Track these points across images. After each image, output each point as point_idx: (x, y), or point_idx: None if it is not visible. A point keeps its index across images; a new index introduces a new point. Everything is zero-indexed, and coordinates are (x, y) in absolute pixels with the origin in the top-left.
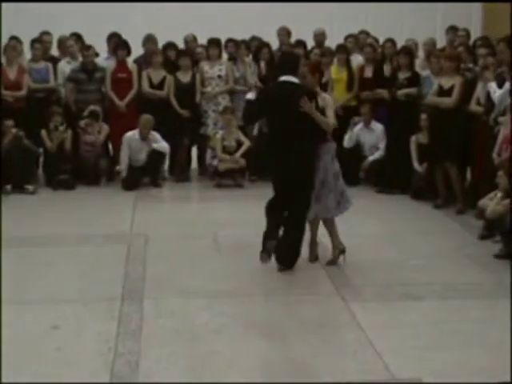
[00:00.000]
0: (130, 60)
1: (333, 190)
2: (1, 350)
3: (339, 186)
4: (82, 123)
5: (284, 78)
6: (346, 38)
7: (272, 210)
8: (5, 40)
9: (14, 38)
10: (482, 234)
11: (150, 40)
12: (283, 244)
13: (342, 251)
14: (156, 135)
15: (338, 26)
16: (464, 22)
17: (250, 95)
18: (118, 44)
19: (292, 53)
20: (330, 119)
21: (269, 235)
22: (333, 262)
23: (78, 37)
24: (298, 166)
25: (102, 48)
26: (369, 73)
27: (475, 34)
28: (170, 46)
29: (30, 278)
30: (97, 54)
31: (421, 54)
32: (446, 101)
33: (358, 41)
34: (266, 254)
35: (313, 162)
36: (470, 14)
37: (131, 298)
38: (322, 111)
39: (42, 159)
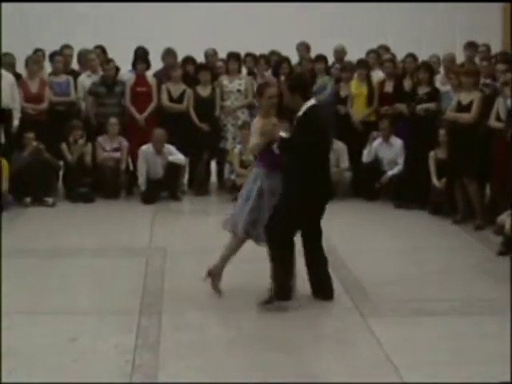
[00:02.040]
0: (149, 74)
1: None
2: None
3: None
4: (100, 140)
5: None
6: (368, 53)
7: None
8: (27, 52)
9: (39, 51)
10: (501, 250)
11: (169, 54)
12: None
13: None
14: (171, 148)
15: (357, 40)
16: (483, 37)
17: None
18: (136, 58)
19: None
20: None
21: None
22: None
23: (102, 50)
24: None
25: (122, 61)
26: (389, 88)
27: (494, 49)
28: (189, 60)
29: (48, 289)
30: (117, 68)
31: (442, 69)
32: (464, 116)
33: (379, 56)
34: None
35: None
36: (489, 28)
37: (149, 311)
38: None
39: (61, 172)
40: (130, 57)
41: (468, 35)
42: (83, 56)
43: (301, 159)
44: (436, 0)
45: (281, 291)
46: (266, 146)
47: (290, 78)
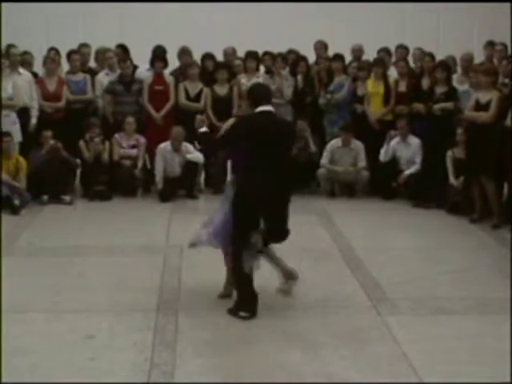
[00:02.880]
0: (167, 72)
1: None
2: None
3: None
4: (117, 137)
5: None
6: (379, 51)
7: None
8: (43, 52)
9: (53, 49)
10: None
11: (184, 52)
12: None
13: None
14: (189, 146)
15: (374, 39)
16: (502, 36)
17: None
18: (154, 56)
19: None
20: None
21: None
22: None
23: (123, 48)
24: None
25: (139, 60)
26: (402, 87)
27: None
28: (208, 56)
29: (65, 287)
30: (135, 67)
31: (459, 68)
32: (483, 115)
33: (390, 55)
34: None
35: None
36: (507, 28)
37: (166, 309)
38: None
39: (79, 170)
40: (148, 55)
41: (486, 34)
42: (101, 54)
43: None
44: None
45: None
46: None
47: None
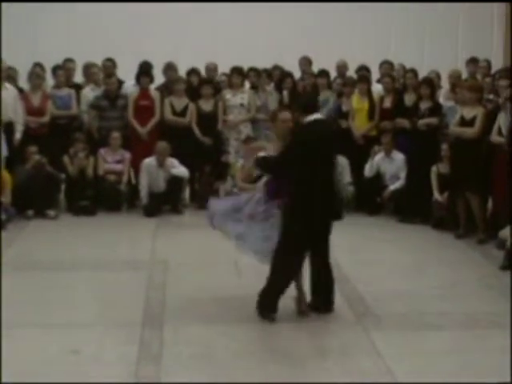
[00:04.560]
0: (152, 88)
1: None
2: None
3: None
4: (102, 151)
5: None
6: (358, 70)
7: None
8: (29, 66)
9: (38, 65)
10: (504, 265)
11: (170, 68)
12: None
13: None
14: (174, 161)
15: (359, 55)
16: (485, 53)
17: None
18: (140, 72)
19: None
20: None
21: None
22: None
23: (112, 62)
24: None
25: (126, 75)
26: (387, 103)
27: (497, 64)
28: (193, 72)
29: (50, 301)
30: (120, 82)
31: (445, 84)
32: (468, 131)
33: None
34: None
35: None
36: (491, 44)
37: (151, 323)
38: None
39: (63, 185)
40: (134, 70)
41: (470, 50)
42: (88, 69)
43: (295, 175)
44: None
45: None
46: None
47: (300, 101)
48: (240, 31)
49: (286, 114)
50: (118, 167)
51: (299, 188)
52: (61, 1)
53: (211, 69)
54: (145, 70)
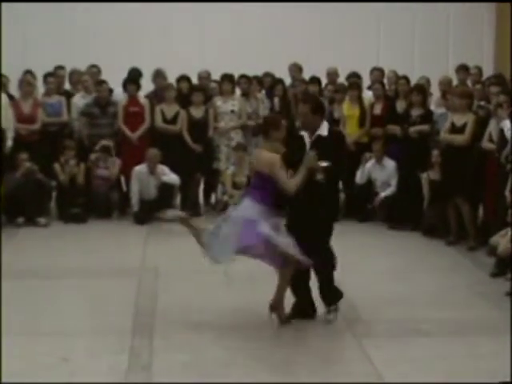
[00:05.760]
0: (141, 95)
1: None
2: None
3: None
4: (93, 157)
5: None
6: (348, 77)
7: None
8: (19, 74)
9: (28, 73)
10: (494, 272)
11: (159, 75)
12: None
13: None
14: (164, 168)
15: (350, 62)
16: (476, 59)
17: None
18: (127, 79)
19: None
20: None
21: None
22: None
23: (98, 68)
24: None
25: (118, 82)
26: (378, 110)
27: (488, 70)
28: (184, 78)
29: (41, 310)
30: (111, 90)
31: (435, 91)
32: (458, 138)
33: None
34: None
35: None
36: (481, 51)
37: (142, 331)
38: None
39: (54, 193)
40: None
41: (460, 57)
42: (74, 76)
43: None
44: None
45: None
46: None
47: (311, 100)
48: (230, 38)
49: (285, 122)
50: (107, 172)
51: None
52: (54, 1)
53: (204, 76)
54: (132, 77)
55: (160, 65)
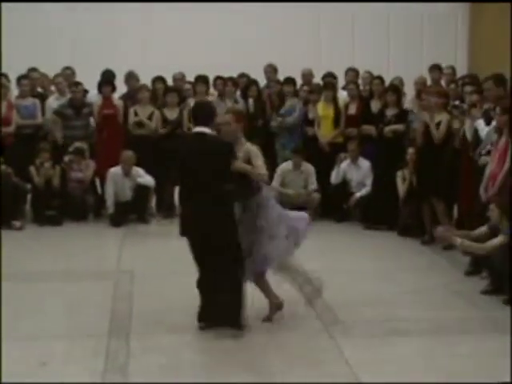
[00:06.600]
0: (115, 96)
1: (275, 236)
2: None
3: (282, 230)
4: (67, 159)
5: (198, 129)
6: (324, 77)
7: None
8: None
9: (2, 75)
10: (469, 270)
11: (131, 77)
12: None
13: (279, 307)
14: (139, 170)
15: (324, 62)
16: (450, 60)
17: None
18: (102, 81)
19: (207, 103)
20: (261, 169)
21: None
22: (269, 319)
23: (72, 70)
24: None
25: (92, 84)
26: (352, 110)
27: (461, 71)
28: (158, 79)
29: (16, 314)
30: (86, 91)
31: (410, 91)
32: (433, 131)
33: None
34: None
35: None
36: (455, 51)
37: (118, 334)
38: (247, 161)
39: (29, 195)
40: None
41: (435, 57)
42: (45, 78)
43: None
44: None
45: None
46: None
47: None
48: (205, 39)
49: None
50: (81, 175)
51: None
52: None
53: (178, 78)
54: (106, 79)
55: (135, 67)
